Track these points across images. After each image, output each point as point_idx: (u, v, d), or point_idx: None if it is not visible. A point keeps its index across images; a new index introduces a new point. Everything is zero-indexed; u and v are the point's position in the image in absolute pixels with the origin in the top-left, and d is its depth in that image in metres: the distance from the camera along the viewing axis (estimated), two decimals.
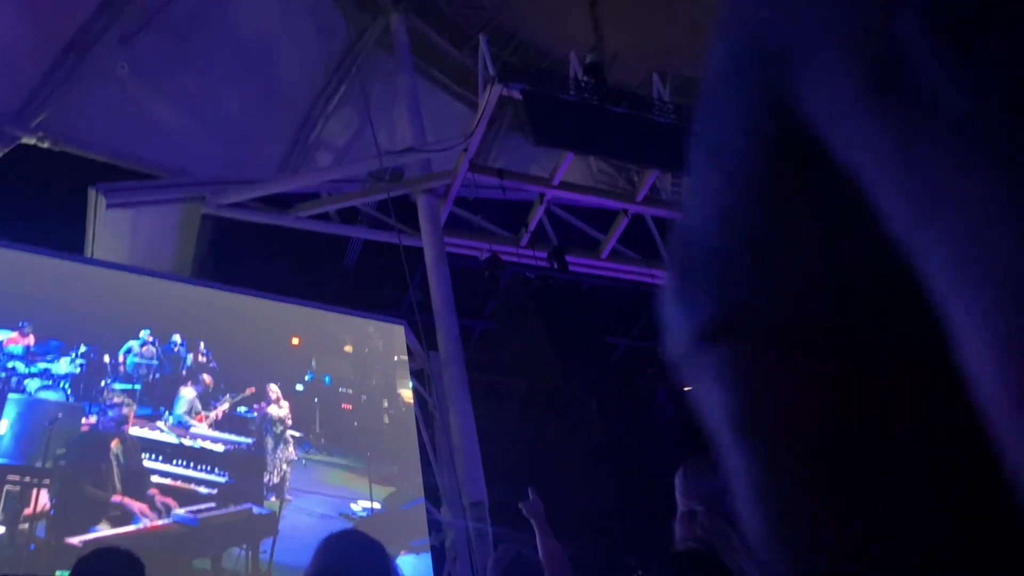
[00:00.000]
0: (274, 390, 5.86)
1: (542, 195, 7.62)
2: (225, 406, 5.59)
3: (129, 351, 5.40)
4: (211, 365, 5.69)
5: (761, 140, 0.29)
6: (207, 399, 5.54)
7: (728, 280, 0.31)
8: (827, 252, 0.28)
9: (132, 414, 5.18)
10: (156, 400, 5.35)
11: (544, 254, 7.59)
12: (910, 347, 0.27)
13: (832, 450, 0.29)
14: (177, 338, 5.64)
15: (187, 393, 5.47)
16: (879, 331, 0.28)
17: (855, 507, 0.28)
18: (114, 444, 4.99)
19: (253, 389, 5.77)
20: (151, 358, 5.46)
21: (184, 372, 5.57)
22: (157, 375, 5.46)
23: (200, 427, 5.41)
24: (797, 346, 0.29)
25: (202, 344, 5.72)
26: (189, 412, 5.40)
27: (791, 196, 0.28)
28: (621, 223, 8.02)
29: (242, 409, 5.66)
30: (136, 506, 4.84)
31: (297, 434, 5.82)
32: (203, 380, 5.58)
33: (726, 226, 0.31)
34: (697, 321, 0.33)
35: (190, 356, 5.65)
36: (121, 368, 5.32)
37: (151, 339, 5.52)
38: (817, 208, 0.28)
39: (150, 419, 5.24)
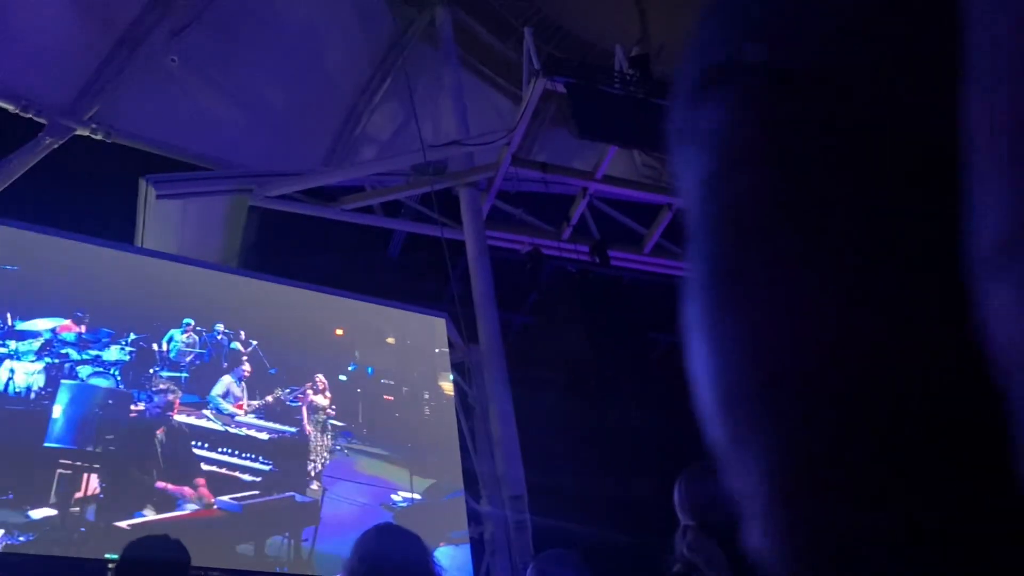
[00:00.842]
0: (321, 380, 5.93)
1: (585, 189, 7.58)
2: (269, 397, 5.67)
3: (171, 339, 5.50)
4: (256, 354, 5.77)
5: None
6: (250, 387, 5.62)
7: (752, 25, 0.29)
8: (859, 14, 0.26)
9: (178, 401, 5.28)
10: (202, 388, 5.45)
11: (586, 248, 7.56)
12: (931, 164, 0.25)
13: (834, 242, 0.25)
14: (220, 327, 5.74)
15: (226, 380, 5.56)
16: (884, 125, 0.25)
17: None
18: (160, 431, 5.10)
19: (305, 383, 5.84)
20: (193, 346, 5.55)
21: (225, 363, 5.66)
22: (199, 362, 5.56)
23: (245, 415, 5.50)
24: (819, 94, 0.27)
25: (243, 333, 5.80)
26: (225, 397, 5.48)
27: None
28: (665, 217, 7.95)
29: (279, 394, 5.73)
30: (182, 492, 4.93)
31: (340, 424, 5.88)
32: (242, 368, 5.67)
33: None
34: (703, 67, 0.30)
35: (235, 344, 5.73)
36: (168, 356, 5.42)
37: (193, 327, 5.61)
38: None
39: (196, 407, 5.33)
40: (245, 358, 5.72)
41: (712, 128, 0.29)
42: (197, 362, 5.54)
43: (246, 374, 5.65)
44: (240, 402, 5.51)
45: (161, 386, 5.27)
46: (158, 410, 5.18)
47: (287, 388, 5.76)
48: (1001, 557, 0.23)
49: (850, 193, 0.25)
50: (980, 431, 0.22)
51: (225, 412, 5.42)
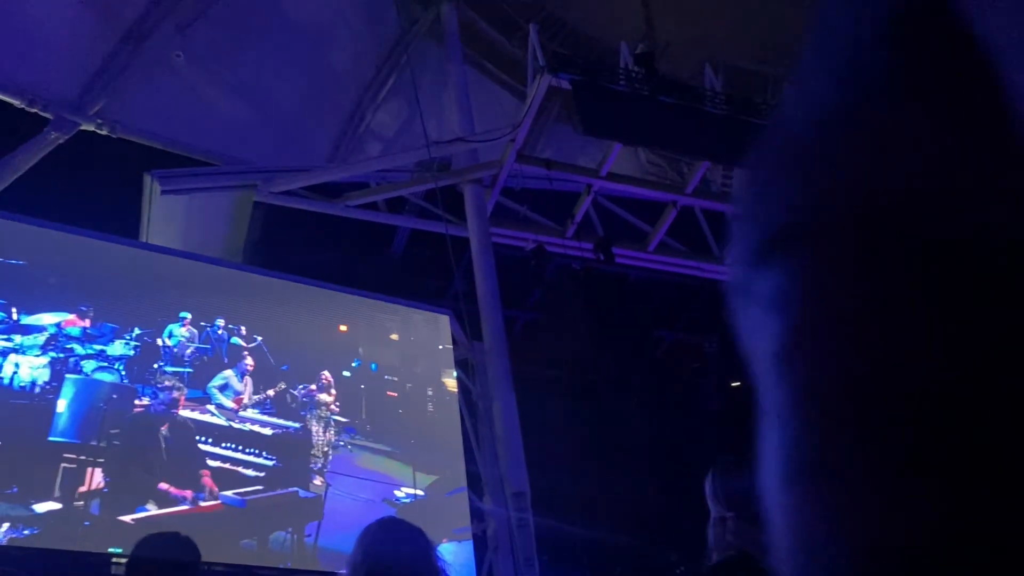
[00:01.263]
0: (327, 376, 5.94)
1: (589, 186, 7.58)
2: (271, 392, 5.67)
3: (171, 334, 5.50)
4: (259, 350, 5.78)
5: (892, 23, 0.26)
6: (253, 382, 5.63)
7: (815, 177, 0.27)
8: (942, 144, 0.25)
9: (183, 397, 5.29)
10: (206, 384, 5.45)
11: (590, 245, 7.56)
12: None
13: (904, 391, 0.24)
14: (221, 322, 5.74)
15: (226, 373, 5.56)
16: (988, 253, 0.24)
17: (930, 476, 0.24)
18: (164, 426, 5.11)
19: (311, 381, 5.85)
20: (193, 340, 5.56)
21: (226, 358, 5.66)
22: (203, 358, 5.56)
23: (247, 411, 5.50)
24: (880, 258, 0.25)
25: (243, 328, 5.81)
26: (223, 389, 5.48)
27: (911, 81, 0.26)
28: (669, 215, 7.94)
29: (283, 389, 5.74)
30: (186, 487, 4.94)
31: (343, 420, 5.89)
32: (245, 363, 5.68)
33: (829, 118, 0.27)
34: (767, 228, 0.29)
35: (235, 340, 5.74)
36: (171, 351, 5.43)
37: (191, 321, 5.60)
38: (941, 93, 0.25)
39: (200, 402, 5.34)
40: (247, 353, 5.73)
41: (784, 294, 0.28)
42: (201, 357, 5.54)
43: (249, 368, 5.65)
44: (240, 396, 5.52)
45: (166, 382, 5.28)
46: (162, 405, 5.19)
47: (294, 386, 5.77)
48: None
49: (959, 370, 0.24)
50: None
51: (227, 407, 5.43)
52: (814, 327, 0.27)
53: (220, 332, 5.70)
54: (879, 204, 0.26)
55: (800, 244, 0.27)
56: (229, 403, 5.45)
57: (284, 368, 5.81)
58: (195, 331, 5.60)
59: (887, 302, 0.25)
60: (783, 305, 0.28)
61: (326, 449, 5.69)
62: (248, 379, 5.62)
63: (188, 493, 4.93)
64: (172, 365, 5.38)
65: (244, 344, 5.75)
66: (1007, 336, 0.24)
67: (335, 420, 5.85)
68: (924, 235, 0.25)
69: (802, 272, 0.27)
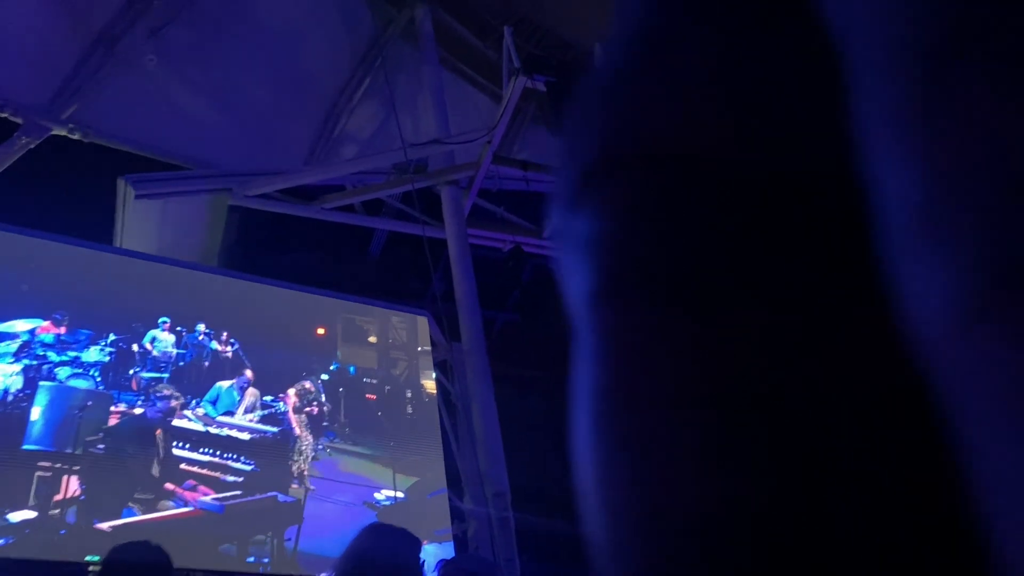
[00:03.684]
0: (308, 386, 5.93)
1: None
2: (250, 396, 5.65)
3: (154, 340, 5.47)
4: (237, 354, 5.75)
5: None
6: (248, 393, 5.61)
7: (625, 105, 0.27)
8: (736, 58, 0.24)
9: (161, 403, 5.25)
10: (183, 389, 5.42)
11: None
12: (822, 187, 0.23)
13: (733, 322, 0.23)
14: (202, 327, 5.71)
15: (224, 386, 5.53)
16: (790, 167, 0.23)
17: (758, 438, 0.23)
18: (141, 433, 5.07)
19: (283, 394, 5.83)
20: (171, 345, 5.52)
21: (207, 363, 5.63)
22: (182, 363, 5.53)
23: (227, 415, 5.47)
24: (695, 181, 0.24)
25: (225, 334, 5.78)
26: (215, 403, 5.46)
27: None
28: None
29: (268, 398, 5.72)
30: (163, 493, 4.91)
31: (322, 423, 5.87)
32: (246, 376, 5.66)
33: (632, 47, 0.27)
34: (576, 170, 0.28)
35: (214, 344, 5.71)
36: (149, 356, 5.39)
37: (170, 327, 5.58)
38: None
39: (178, 408, 5.30)
40: (236, 362, 5.70)
41: (592, 237, 0.27)
42: (179, 363, 5.51)
43: (250, 380, 5.64)
44: (236, 409, 5.50)
45: (143, 387, 5.24)
46: (139, 411, 5.14)
47: (272, 390, 5.74)
48: None
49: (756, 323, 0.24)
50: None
51: (210, 415, 5.40)
52: (618, 272, 0.27)
53: (201, 338, 5.67)
54: (671, 138, 0.25)
55: (603, 182, 0.27)
56: (214, 412, 5.41)
57: (261, 373, 5.78)
58: (173, 336, 5.56)
59: (685, 241, 0.25)
60: (590, 248, 0.27)
61: (305, 453, 5.66)
62: (240, 389, 5.59)
63: (166, 499, 4.89)
64: (149, 371, 5.34)
65: (220, 348, 5.72)
66: (813, 285, 0.23)
67: (314, 424, 5.82)
68: (720, 172, 0.24)
69: (605, 212, 0.27)
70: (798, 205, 0.23)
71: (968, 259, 0.17)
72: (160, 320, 5.55)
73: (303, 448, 5.67)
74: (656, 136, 0.26)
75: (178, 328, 5.60)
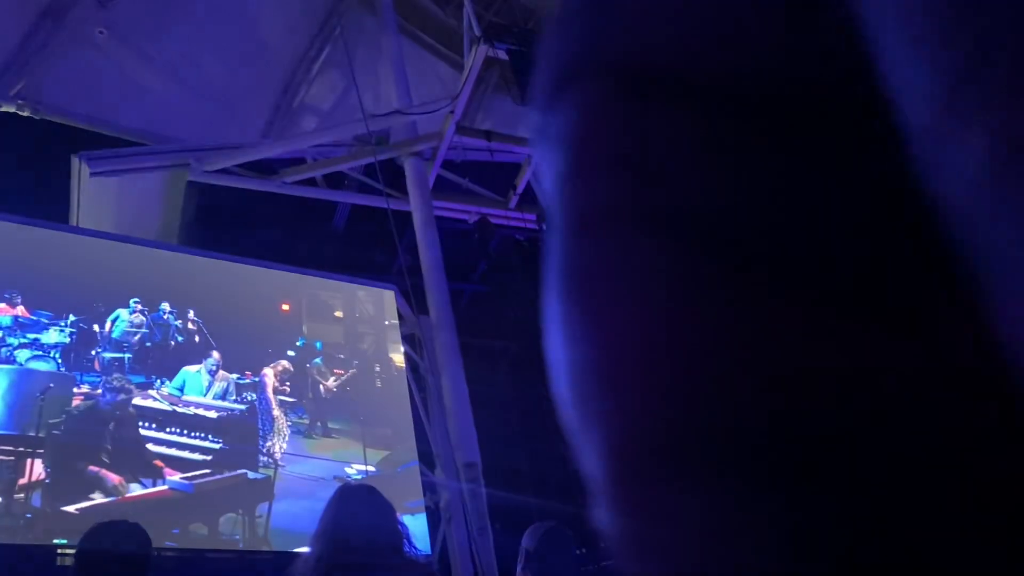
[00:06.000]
0: (283, 364, 5.89)
1: (530, 156, 7.58)
2: (220, 378, 5.60)
3: (117, 319, 5.38)
4: (201, 332, 5.68)
5: None
6: (218, 377, 5.56)
7: (602, 11, 0.27)
8: None
9: (124, 383, 5.17)
10: (148, 369, 5.35)
11: (533, 216, 7.57)
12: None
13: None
14: (166, 306, 5.63)
15: (192, 370, 5.47)
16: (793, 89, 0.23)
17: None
18: (105, 414, 5.00)
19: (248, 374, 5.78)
20: (141, 327, 5.44)
21: (172, 342, 5.56)
22: (148, 343, 5.45)
23: (194, 395, 5.42)
24: (674, 92, 0.24)
25: (191, 312, 5.70)
26: (182, 389, 5.40)
27: None
28: None
29: (235, 376, 5.66)
30: (131, 473, 4.85)
31: (290, 399, 5.84)
32: (214, 356, 5.59)
33: None
34: (556, 67, 0.29)
35: (177, 322, 5.63)
36: (110, 336, 5.30)
37: (140, 307, 5.50)
38: None
39: (142, 387, 5.24)
40: (199, 339, 5.63)
41: (565, 130, 0.28)
42: (143, 343, 5.43)
43: (219, 363, 5.58)
44: (206, 395, 5.44)
45: (107, 368, 5.16)
46: (102, 392, 5.07)
47: (238, 367, 5.69)
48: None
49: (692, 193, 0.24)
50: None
51: (174, 395, 5.34)
52: (587, 162, 0.27)
53: (165, 317, 5.59)
54: (653, 43, 0.25)
55: (583, 81, 0.27)
56: (194, 397, 5.36)
57: (226, 350, 5.72)
58: (142, 317, 5.48)
59: (655, 146, 0.25)
60: (567, 141, 0.28)
61: (284, 432, 5.64)
62: (209, 371, 5.53)
63: (134, 480, 4.84)
64: (111, 351, 5.25)
65: (184, 326, 5.64)
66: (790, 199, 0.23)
67: (281, 400, 5.79)
68: (699, 79, 0.24)
69: (583, 106, 0.27)
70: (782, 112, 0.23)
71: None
72: (132, 300, 5.46)
73: (280, 427, 5.64)
74: (638, 53, 0.26)
75: (140, 307, 5.51)
